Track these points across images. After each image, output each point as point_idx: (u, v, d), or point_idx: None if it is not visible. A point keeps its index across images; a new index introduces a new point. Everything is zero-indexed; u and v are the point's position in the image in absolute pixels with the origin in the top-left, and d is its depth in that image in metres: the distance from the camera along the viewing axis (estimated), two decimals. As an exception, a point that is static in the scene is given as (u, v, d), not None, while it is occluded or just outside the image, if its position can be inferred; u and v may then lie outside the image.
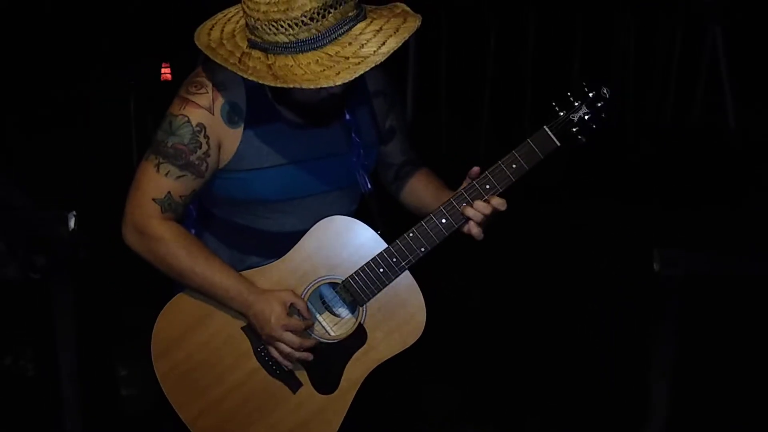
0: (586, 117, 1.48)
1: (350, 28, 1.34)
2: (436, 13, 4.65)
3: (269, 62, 1.35)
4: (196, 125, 1.48)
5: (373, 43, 1.32)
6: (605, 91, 1.48)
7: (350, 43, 1.33)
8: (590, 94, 1.48)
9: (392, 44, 1.33)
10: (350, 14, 1.34)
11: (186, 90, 1.50)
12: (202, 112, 1.48)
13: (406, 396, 2.64)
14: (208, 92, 1.48)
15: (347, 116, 1.56)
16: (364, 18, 1.36)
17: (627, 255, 3.29)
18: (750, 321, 2.78)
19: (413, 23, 1.36)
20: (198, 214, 1.64)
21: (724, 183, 4.18)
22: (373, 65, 1.31)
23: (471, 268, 3.41)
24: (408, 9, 1.41)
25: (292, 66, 1.33)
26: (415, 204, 1.71)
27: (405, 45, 1.38)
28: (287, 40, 1.33)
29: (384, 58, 1.32)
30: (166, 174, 1.49)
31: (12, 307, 2.60)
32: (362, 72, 1.31)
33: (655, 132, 4.91)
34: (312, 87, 1.31)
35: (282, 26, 1.31)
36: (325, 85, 1.31)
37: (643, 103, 5.01)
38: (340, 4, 1.32)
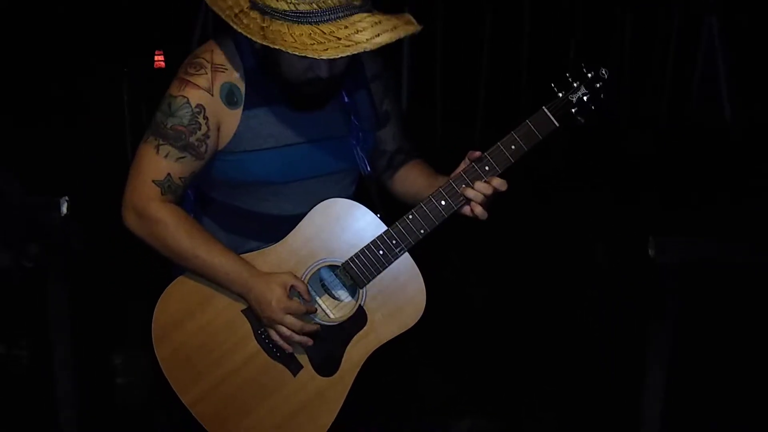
0: (585, 98, 1.49)
1: (351, 14, 1.36)
2: (431, 4, 4.65)
3: (263, 24, 1.37)
4: (196, 106, 1.48)
5: (367, 32, 1.34)
6: (604, 72, 1.49)
7: (346, 27, 1.35)
8: (589, 75, 1.49)
9: (385, 38, 1.35)
10: (356, 2, 1.36)
11: (185, 71, 1.50)
12: (201, 93, 1.48)
13: (403, 381, 2.65)
14: (207, 73, 1.48)
15: (345, 99, 1.57)
16: (368, 11, 1.38)
17: (624, 249, 3.30)
18: (747, 311, 2.79)
19: (412, 27, 1.38)
20: (196, 199, 1.64)
21: (721, 177, 4.20)
22: (361, 51, 1.33)
23: (470, 258, 3.43)
24: (413, 19, 1.42)
25: (284, 33, 1.35)
26: (407, 191, 1.70)
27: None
28: (286, 8, 1.35)
29: (373, 48, 1.34)
30: (166, 155, 1.48)
31: (5, 296, 2.58)
32: (348, 54, 1.33)
33: (652, 125, 4.93)
34: (296, 54, 1.33)
35: None
36: (309, 56, 1.32)
37: (640, 97, 5.02)
38: None
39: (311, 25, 1.34)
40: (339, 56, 1.32)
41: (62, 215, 2.09)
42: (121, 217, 1.53)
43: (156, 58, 4.08)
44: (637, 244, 2.12)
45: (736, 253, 2.13)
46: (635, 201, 4.04)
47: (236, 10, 1.40)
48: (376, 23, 1.35)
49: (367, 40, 1.33)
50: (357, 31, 1.34)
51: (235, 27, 1.37)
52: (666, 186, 4.22)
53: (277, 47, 1.33)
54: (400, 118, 1.72)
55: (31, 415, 2.42)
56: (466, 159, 1.53)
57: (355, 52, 1.33)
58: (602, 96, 1.50)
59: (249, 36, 1.36)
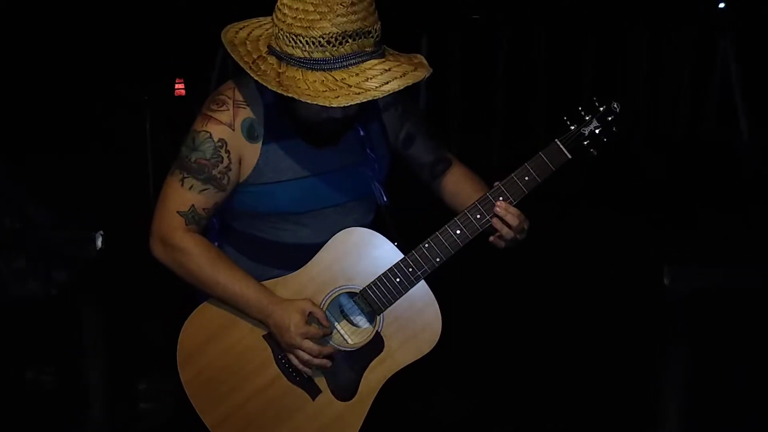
0: (597, 131, 1.54)
1: (362, 62, 1.42)
2: (448, 28, 4.71)
3: (280, 70, 1.43)
4: (218, 140, 1.54)
5: (377, 80, 1.41)
6: (615, 106, 1.53)
7: (357, 74, 1.41)
8: (601, 109, 1.54)
9: (394, 85, 1.41)
10: (368, 49, 1.42)
11: (208, 107, 1.57)
12: (223, 128, 1.55)
13: (418, 404, 2.66)
14: (229, 109, 1.55)
15: (361, 132, 1.63)
16: (381, 57, 1.44)
17: (638, 266, 3.29)
18: (761, 334, 2.76)
19: (421, 73, 1.44)
20: (219, 228, 1.70)
21: (736, 195, 4.17)
22: (370, 98, 1.39)
23: (484, 279, 3.43)
24: (424, 61, 1.49)
25: (298, 80, 1.41)
26: (454, 200, 1.76)
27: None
28: (302, 55, 1.41)
29: (382, 95, 1.40)
30: (190, 188, 1.55)
31: (33, 322, 2.64)
32: (358, 102, 1.39)
33: (668, 144, 4.92)
34: (308, 102, 1.39)
35: (300, 41, 1.40)
36: (321, 104, 1.39)
37: (656, 115, 5.02)
38: (360, 38, 1.40)
39: (324, 72, 1.41)
40: (348, 104, 1.39)
41: (98, 249, 2.15)
42: (148, 246, 1.60)
43: (176, 86, 4.18)
44: (653, 265, 2.12)
45: (751, 279, 2.11)
46: (650, 220, 4.03)
47: (255, 56, 1.47)
48: (385, 70, 1.42)
49: (376, 88, 1.40)
50: (367, 79, 1.41)
51: (252, 75, 1.44)
52: (681, 205, 4.20)
53: (290, 95, 1.40)
54: (428, 133, 1.76)
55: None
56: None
57: (364, 100, 1.39)
58: (614, 129, 1.54)
59: (265, 83, 1.43)
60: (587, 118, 1.54)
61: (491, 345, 3.07)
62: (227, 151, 1.55)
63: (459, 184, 1.74)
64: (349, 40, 1.39)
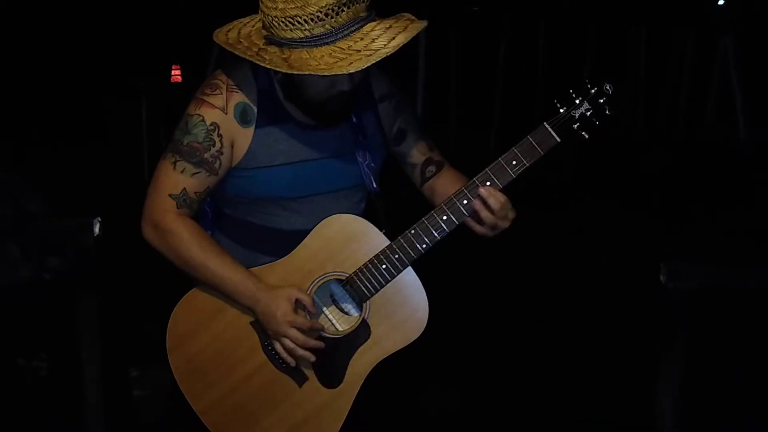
0: (588, 113, 1.50)
1: (361, 27, 1.43)
2: (447, 22, 4.71)
3: (284, 56, 1.44)
4: (210, 124, 1.55)
5: (383, 38, 1.42)
6: (608, 88, 1.50)
7: (362, 39, 1.42)
8: (592, 91, 1.50)
9: (401, 39, 1.41)
10: (361, 14, 1.43)
11: (202, 91, 1.58)
12: (216, 111, 1.55)
13: (407, 395, 2.66)
14: (222, 93, 1.56)
15: (354, 119, 1.63)
16: (374, 20, 1.45)
17: (636, 264, 3.29)
18: (759, 333, 2.75)
19: (420, 24, 1.45)
20: (213, 215, 1.71)
21: (734, 193, 4.17)
22: (384, 56, 1.40)
23: (475, 269, 3.43)
24: (413, 17, 1.49)
25: (306, 58, 1.42)
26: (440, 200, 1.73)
27: (415, 52, 1.44)
28: (302, 35, 1.42)
29: (393, 51, 1.40)
30: (182, 171, 1.56)
31: (26, 309, 2.65)
32: (374, 62, 1.39)
33: (666, 142, 4.92)
34: (326, 74, 1.40)
35: (298, 22, 1.40)
36: (338, 73, 1.39)
37: (654, 113, 5.02)
38: (353, 3, 1.41)
39: (329, 45, 1.42)
40: (365, 66, 1.39)
41: (95, 235, 2.15)
42: (140, 229, 1.61)
43: (173, 72, 4.18)
44: (651, 264, 2.12)
45: (748, 278, 2.11)
46: (649, 218, 4.03)
47: (255, 50, 1.48)
48: (387, 28, 1.43)
49: (385, 45, 1.41)
50: (373, 40, 1.41)
51: (261, 64, 1.45)
52: (679, 202, 4.20)
53: (305, 73, 1.40)
54: (421, 133, 1.76)
55: (53, 427, 2.47)
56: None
57: (380, 58, 1.40)
58: (607, 112, 1.50)
59: (276, 69, 1.43)
60: (577, 100, 1.51)
61: (484, 338, 3.07)
62: (219, 135, 1.55)
63: (447, 186, 1.70)
64: (345, 9, 1.40)
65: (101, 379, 2.30)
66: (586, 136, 1.52)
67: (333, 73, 1.39)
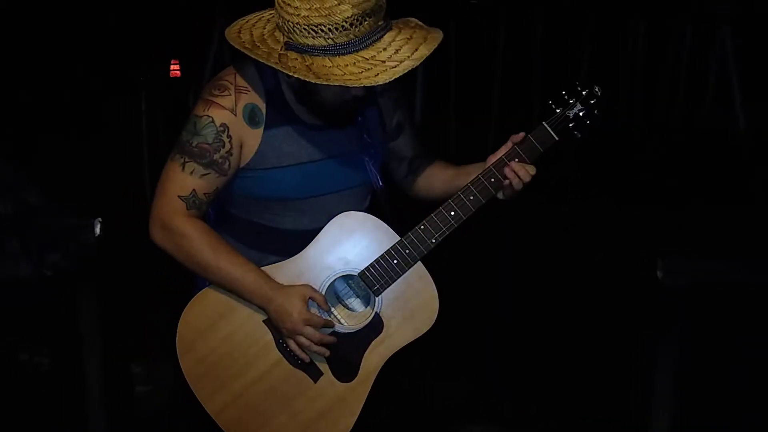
0: (581, 113, 1.59)
1: (382, 36, 1.44)
2: (445, 15, 4.70)
3: (307, 63, 1.43)
4: (220, 125, 1.55)
5: (406, 49, 1.43)
6: (597, 90, 1.59)
7: (384, 49, 1.42)
8: (583, 93, 1.59)
9: (424, 50, 1.43)
10: (380, 23, 1.44)
11: (209, 92, 1.57)
12: (225, 112, 1.55)
13: (415, 389, 2.67)
14: (230, 94, 1.56)
15: (359, 117, 1.64)
16: (391, 29, 1.46)
17: (635, 255, 3.31)
18: (755, 328, 2.78)
19: (438, 34, 1.47)
20: (216, 216, 1.71)
21: (732, 184, 4.20)
22: (410, 68, 1.41)
23: (479, 265, 3.45)
24: (420, 22, 1.51)
25: (330, 67, 1.41)
26: (433, 188, 1.78)
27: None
28: (326, 44, 1.41)
29: (418, 63, 1.42)
30: (191, 172, 1.56)
31: (26, 304, 2.64)
32: (400, 74, 1.40)
33: (664, 133, 4.94)
34: (356, 85, 1.40)
35: (323, 30, 1.40)
36: (367, 84, 1.40)
37: (653, 104, 5.04)
38: (375, 14, 1.42)
39: (352, 54, 1.42)
40: (393, 78, 1.40)
41: (96, 236, 2.15)
42: (147, 231, 1.60)
43: (172, 67, 4.16)
44: (649, 255, 2.13)
45: (744, 272, 2.11)
46: (647, 209, 4.05)
47: (276, 55, 1.47)
48: (408, 39, 1.44)
49: (409, 57, 1.42)
50: (396, 51, 1.42)
51: (285, 71, 1.44)
52: (676, 196, 4.22)
53: (332, 83, 1.40)
54: (413, 126, 1.80)
55: (55, 421, 2.47)
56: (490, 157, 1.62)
57: (406, 70, 1.41)
58: (596, 112, 1.59)
59: (302, 77, 1.41)
60: (571, 101, 1.59)
61: (481, 332, 3.07)
62: (229, 136, 1.55)
63: (433, 176, 1.77)
64: (368, 19, 1.41)
65: (103, 375, 2.30)
66: (579, 136, 1.60)
67: (361, 84, 1.40)
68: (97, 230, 2.18)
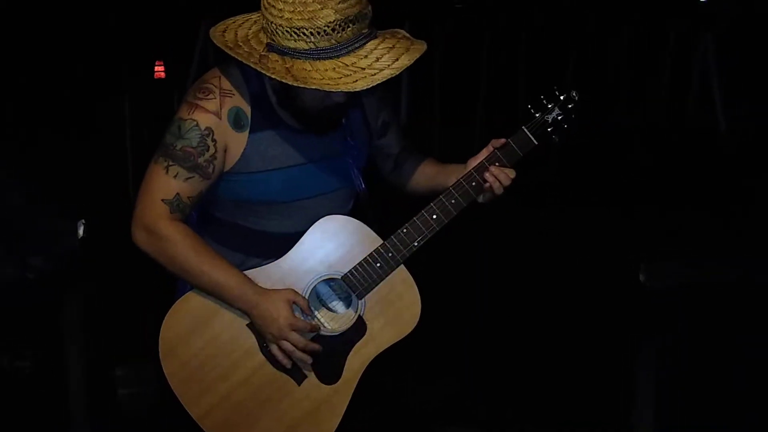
0: (559, 118, 1.62)
1: (365, 44, 1.44)
2: (430, 16, 4.72)
3: (287, 65, 1.43)
4: (204, 129, 1.54)
5: (387, 58, 1.43)
6: (574, 95, 1.62)
7: (366, 56, 1.43)
8: (561, 97, 1.62)
9: (405, 61, 1.44)
10: (364, 31, 1.44)
11: (194, 95, 1.57)
12: (209, 116, 1.55)
13: (395, 391, 2.67)
14: (215, 98, 1.55)
15: (343, 121, 1.65)
16: (375, 37, 1.47)
17: (619, 257, 3.34)
18: (739, 329, 2.81)
19: (421, 46, 1.48)
20: (199, 218, 1.70)
21: (715, 185, 4.24)
22: (388, 77, 1.41)
23: (463, 266, 3.46)
24: (408, 35, 1.52)
25: (309, 71, 1.42)
26: (418, 182, 1.81)
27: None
28: (307, 47, 1.42)
29: (397, 72, 1.42)
30: (175, 176, 1.55)
31: (9, 306, 2.62)
32: (378, 82, 1.41)
33: (647, 135, 4.99)
34: (333, 90, 1.41)
35: (304, 33, 1.40)
36: (344, 90, 1.40)
37: (636, 107, 5.09)
38: (358, 21, 1.42)
39: (332, 59, 1.42)
40: (371, 86, 1.40)
41: (79, 237, 2.14)
42: (130, 234, 1.59)
43: (156, 68, 4.14)
44: (634, 257, 2.16)
45: (727, 276, 2.13)
46: (630, 211, 4.08)
47: (257, 56, 1.47)
48: (390, 48, 1.45)
49: (389, 66, 1.42)
50: (377, 59, 1.43)
51: (264, 72, 1.44)
52: (661, 195, 4.26)
53: (310, 86, 1.40)
54: (398, 122, 1.82)
55: (37, 425, 2.45)
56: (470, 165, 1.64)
57: (384, 79, 1.41)
58: (573, 117, 1.63)
59: (280, 79, 1.41)
60: (549, 106, 1.62)
61: (463, 336, 3.07)
62: (213, 140, 1.55)
63: (417, 172, 1.80)
64: (351, 25, 1.41)
65: (85, 378, 2.28)
66: (557, 140, 1.64)
67: (338, 90, 1.40)
68: (81, 232, 2.17)
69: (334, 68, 1.41)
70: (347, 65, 1.41)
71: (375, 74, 1.41)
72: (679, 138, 4.81)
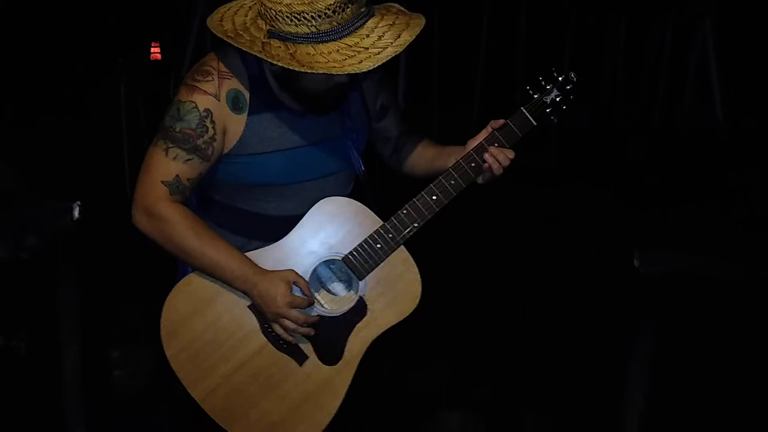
0: (557, 99, 1.63)
1: (364, 23, 1.44)
2: (428, 2, 4.68)
3: (290, 51, 1.43)
4: (203, 111, 1.54)
5: (389, 36, 1.43)
6: (572, 76, 1.63)
7: (368, 35, 1.42)
8: (560, 78, 1.63)
9: (407, 37, 1.43)
10: (362, 10, 1.44)
11: (193, 78, 1.56)
12: (208, 98, 1.54)
13: (394, 376, 2.68)
14: (214, 80, 1.55)
15: (342, 103, 1.64)
16: (373, 15, 1.46)
17: (614, 252, 3.35)
18: (733, 322, 2.82)
19: (420, 20, 1.47)
20: (198, 201, 1.70)
21: (712, 180, 4.25)
22: (393, 55, 1.41)
23: (461, 255, 3.47)
24: (402, 8, 1.51)
25: (313, 54, 1.41)
26: (418, 164, 1.81)
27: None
28: (309, 31, 1.41)
29: (402, 49, 1.42)
30: (175, 158, 1.55)
31: (3, 288, 2.62)
32: (384, 61, 1.40)
33: (645, 129, 4.98)
34: (340, 73, 1.40)
35: (305, 18, 1.39)
36: (351, 72, 1.39)
37: (633, 100, 5.08)
38: (357, 1, 1.42)
39: (335, 41, 1.41)
40: (377, 65, 1.39)
41: (75, 219, 2.13)
42: (126, 214, 1.59)
43: (152, 50, 4.11)
44: (628, 251, 2.16)
45: (720, 266, 2.13)
46: (626, 206, 4.08)
47: (259, 44, 1.46)
48: (390, 25, 1.44)
49: (392, 43, 1.42)
50: (379, 38, 1.42)
51: (267, 59, 1.43)
52: (658, 190, 4.27)
53: (317, 71, 1.39)
54: (397, 106, 1.82)
55: (32, 405, 2.45)
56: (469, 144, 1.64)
57: (389, 57, 1.41)
58: (571, 97, 1.63)
59: (285, 65, 1.41)
60: (548, 87, 1.63)
61: (462, 320, 3.09)
62: (212, 122, 1.55)
63: (416, 155, 1.80)
64: (350, 5, 1.41)
65: (80, 359, 2.29)
66: (555, 121, 1.64)
67: (345, 72, 1.39)
68: (76, 214, 2.16)
69: (338, 50, 1.41)
70: (350, 46, 1.41)
71: (379, 53, 1.40)
72: (678, 131, 4.80)
